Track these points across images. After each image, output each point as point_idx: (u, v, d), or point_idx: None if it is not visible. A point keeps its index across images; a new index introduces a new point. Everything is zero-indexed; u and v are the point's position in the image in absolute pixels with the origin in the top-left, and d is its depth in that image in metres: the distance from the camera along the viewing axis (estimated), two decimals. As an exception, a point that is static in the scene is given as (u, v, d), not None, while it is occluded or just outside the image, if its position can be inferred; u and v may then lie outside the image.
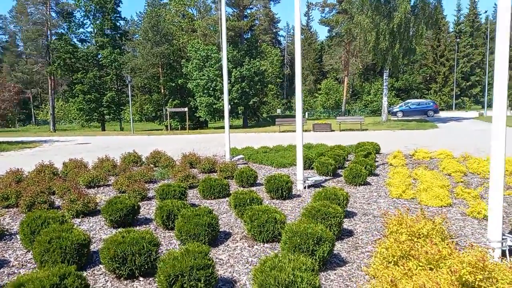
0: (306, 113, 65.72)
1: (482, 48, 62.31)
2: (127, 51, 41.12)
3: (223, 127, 38.89)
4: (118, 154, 11.82)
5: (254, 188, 7.50)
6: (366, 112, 57.55)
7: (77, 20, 40.67)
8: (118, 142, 21.26)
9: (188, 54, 34.69)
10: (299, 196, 6.83)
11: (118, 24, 40.96)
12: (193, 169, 9.74)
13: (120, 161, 10.86)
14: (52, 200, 6.42)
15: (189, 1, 40.46)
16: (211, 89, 32.27)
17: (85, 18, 39.99)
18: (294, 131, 26.29)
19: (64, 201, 5.98)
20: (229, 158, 10.96)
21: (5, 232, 5.11)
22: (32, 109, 59.93)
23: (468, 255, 3.01)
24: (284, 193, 6.50)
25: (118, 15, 40.73)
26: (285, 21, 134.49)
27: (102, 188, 7.99)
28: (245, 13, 36.70)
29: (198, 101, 33.39)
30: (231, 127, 37.98)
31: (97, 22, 38.99)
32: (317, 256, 3.66)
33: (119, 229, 5.19)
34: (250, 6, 38.20)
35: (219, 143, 18.42)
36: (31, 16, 42.26)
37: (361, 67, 58.72)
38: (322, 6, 47.41)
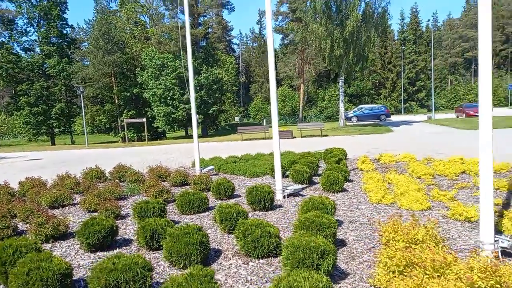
0: (264, 120, 66.35)
1: (425, 55, 66.55)
2: (76, 60, 39.15)
3: (182, 137, 38.43)
4: (78, 169, 11.11)
5: (233, 200, 7.32)
6: (321, 118, 59.15)
7: (19, 28, 38.13)
8: (73, 156, 20.07)
9: (142, 63, 33.66)
10: (280, 206, 6.73)
11: (65, 31, 38.89)
12: (164, 182, 9.34)
13: (82, 177, 10.17)
14: (15, 224, 5.81)
15: (141, 8, 39.40)
16: (168, 98, 31.49)
17: (29, 25, 37.59)
18: (257, 138, 26.39)
19: (31, 225, 5.44)
20: (199, 170, 10.66)
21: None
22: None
23: (479, 261, 3.06)
24: (267, 204, 6.37)
25: (64, 22, 38.68)
26: (238, 29, 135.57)
27: (67, 208, 7.41)
28: (199, 21, 36.39)
29: (155, 111, 32.44)
30: (189, 136, 37.31)
31: (42, 29, 36.75)
32: (322, 271, 3.56)
33: (98, 253, 4.82)
34: (204, 14, 37.95)
35: (182, 153, 17.99)
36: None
37: (314, 74, 60.34)
38: (275, 14, 48.25)
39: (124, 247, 5.01)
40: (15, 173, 13.73)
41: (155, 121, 33.60)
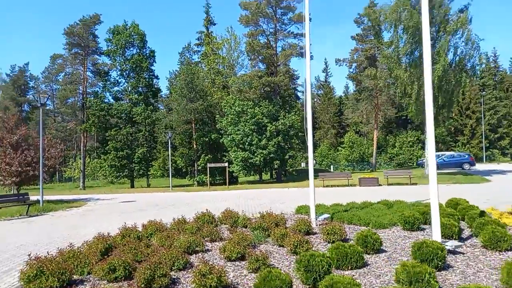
0: (332, 167, 64.81)
1: (506, 101, 62.10)
2: (159, 108, 41.86)
3: (256, 182, 38.22)
4: (176, 212, 11.06)
5: (382, 255, 6.53)
6: (392, 165, 56.48)
7: (112, 79, 42.05)
8: (163, 199, 20.51)
9: (223, 110, 34.96)
10: (449, 266, 5.80)
11: (151, 82, 42.13)
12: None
13: (192, 221, 10.00)
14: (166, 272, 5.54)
15: (221, 59, 41.69)
16: (246, 143, 31.95)
17: (120, 77, 41.33)
18: (339, 185, 25.03)
19: (194, 274, 5.09)
20: (314, 218, 10.02)
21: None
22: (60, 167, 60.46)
23: None
24: (439, 263, 5.51)
25: (151, 73, 42.03)
26: (303, 77, 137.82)
27: (200, 254, 7.09)
28: (277, 70, 37.43)
29: (232, 156, 32.97)
30: (262, 182, 36.77)
31: (132, 80, 40.16)
32: None
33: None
34: (278, 64, 39.04)
35: (272, 199, 17.41)
36: (68, 76, 44.13)
37: (382, 121, 58.62)
38: (350, 62, 48.44)
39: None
40: (119, 214, 14.09)
41: (231, 165, 34.06)
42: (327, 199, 14.78)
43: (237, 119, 32.81)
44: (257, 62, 34.24)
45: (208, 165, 27.57)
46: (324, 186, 24.87)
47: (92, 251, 6.84)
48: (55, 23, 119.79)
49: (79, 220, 12.86)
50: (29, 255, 6.08)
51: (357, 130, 71.04)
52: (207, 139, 36.39)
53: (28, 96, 71.60)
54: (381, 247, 6.89)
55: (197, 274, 5.00)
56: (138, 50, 41.46)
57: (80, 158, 46.09)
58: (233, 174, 35.82)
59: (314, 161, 69.04)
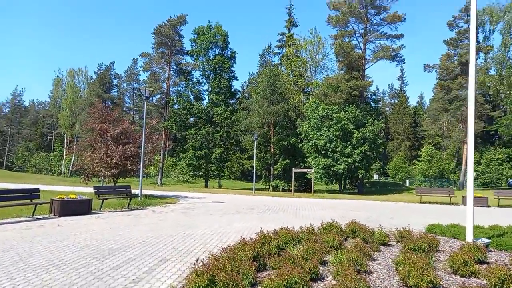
0: (407, 181, 60.59)
1: None
2: (241, 109, 41.82)
3: (332, 191, 36.19)
4: (277, 218, 9.89)
5: None
6: (476, 184, 51.17)
7: (194, 79, 42.93)
8: (253, 202, 19.65)
9: (304, 113, 33.75)
10: None
11: (231, 83, 42.34)
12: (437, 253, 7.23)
13: (320, 231, 8.82)
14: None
15: (303, 62, 40.58)
16: (329, 150, 30.34)
17: (202, 76, 42.01)
18: (438, 203, 22.35)
19: None
20: (472, 240, 8.32)
21: None
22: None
23: None
24: None
25: (232, 74, 42.23)
26: (375, 84, 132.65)
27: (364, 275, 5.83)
28: (361, 74, 35.41)
29: (313, 162, 31.53)
30: (342, 192, 34.30)
31: (213, 80, 40.58)
32: None
33: None
34: (366, 67, 36.90)
35: (377, 213, 15.61)
36: (154, 74, 45.82)
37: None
38: (440, 68, 44.65)
39: None
40: (221, 215, 13.36)
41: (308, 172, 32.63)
42: (432, 218, 12.84)
43: (320, 123, 31.34)
44: (345, 65, 32.49)
45: (294, 170, 26.39)
46: (421, 202, 22.47)
47: (244, 258, 5.92)
48: (138, 27, 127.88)
49: (185, 218, 12.30)
50: (197, 260, 5.29)
51: (435, 143, 65.92)
52: (286, 143, 35.35)
53: (111, 94, 76.39)
54: None
55: None
56: (220, 51, 41.90)
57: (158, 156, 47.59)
58: (311, 181, 34.37)
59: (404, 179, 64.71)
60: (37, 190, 11.71)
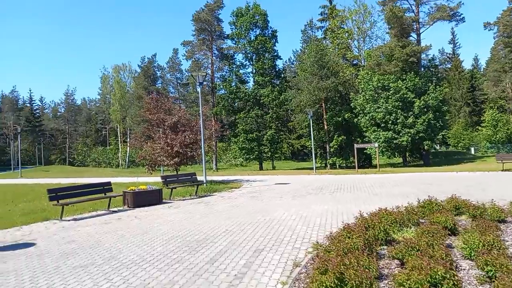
0: (472, 149, 56.75)
1: None
2: (286, 89, 40.74)
3: (394, 165, 34.07)
4: (353, 198, 8.96)
5: None
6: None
7: (237, 62, 42.31)
8: (318, 182, 18.83)
9: (356, 87, 32.01)
10: None
11: (275, 63, 41.25)
12: None
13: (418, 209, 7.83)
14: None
15: (349, 34, 38.41)
16: (389, 122, 28.56)
17: (245, 59, 41.28)
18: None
19: None
20: None
21: None
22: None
23: None
24: None
25: (275, 54, 41.08)
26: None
27: None
28: (417, 39, 32.80)
29: (372, 136, 29.91)
30: (405, 165, 31.78)
31: (258, 62, 39.70)
32: None
33: None
34: (419, 31, 34.13)
35: (465, 185, 13.96)
36: (198, 62, 45.94)
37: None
38: (503, 25, 40.36)
39: None
40: (292, 198, 12.70)
41: (367, 147, 31.11)
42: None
43: (376, 95, 29.52)
44: (397, 31, 30.12)
45: (355, 145, 25.00)
46: (503, 169, 20.38)
47: (356, 247, 5.16)
48: (176, 16, 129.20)
49: (256, 203, 11.77)
50: (317, 255, 4.60)
51: (498, 106, 60.88)
52: (340, 119, 33.88)
53: (156, 85, 78.01)
54: None
55: None
56: (260, 31, 40.84)
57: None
58: (371, 156, 32.82)
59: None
60: (109, 183, 11.70)
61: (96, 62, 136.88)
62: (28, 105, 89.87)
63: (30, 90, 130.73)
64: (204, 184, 16.12)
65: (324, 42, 40.75)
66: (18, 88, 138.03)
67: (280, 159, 57.55)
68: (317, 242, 5.89)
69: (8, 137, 68.61)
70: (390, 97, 28.47)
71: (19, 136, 37.50)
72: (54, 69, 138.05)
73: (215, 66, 45.26)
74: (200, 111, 17.17)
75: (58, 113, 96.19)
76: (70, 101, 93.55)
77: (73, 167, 51.40)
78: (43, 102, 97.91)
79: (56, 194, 9.96)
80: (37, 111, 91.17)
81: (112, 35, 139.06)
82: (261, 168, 40.25)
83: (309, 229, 7.57)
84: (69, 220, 9.64)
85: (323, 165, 36.44)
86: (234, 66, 41.79)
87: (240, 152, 39.25)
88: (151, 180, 20.65)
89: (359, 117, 31.33)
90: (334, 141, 34.36)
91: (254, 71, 40.48)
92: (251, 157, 39.84)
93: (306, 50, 38.48)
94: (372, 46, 35.46)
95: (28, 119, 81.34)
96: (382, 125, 29.07)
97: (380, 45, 32.83)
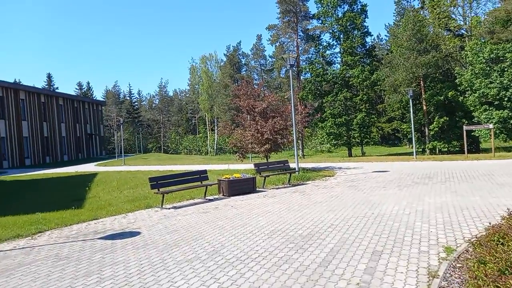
0: None
1: None
2: (378, 67, 37.91)
3: (506, 149, 29.58)
4: (472, 188, 7.27)
5: None
6: None
7: (324, 43, 40.48)
8: (420, 169, 16.97)
9: (466, 60, 28.19)
10: None
11: (365, 40, 38.52)
12: None
13: None
14: None
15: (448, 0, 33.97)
16: (505, 99, 24.69)
17: (333, 39, 39.28)
18: None
19: None
20: None
21: None
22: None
23: None
24: None
25: (365, 30, 38.33)
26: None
27: None
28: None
29: (482, 116, 26.25)
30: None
31: (346, 41, 37.46)
32: None
33: None
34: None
35: None
36: (283, 45, 45.25)
37: None
38: None
39: None
40: (399, 188, 11.39)
41: (476, 129, 27.42)
42: None
43: (488, 69, 25.66)
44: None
45: (465, 127, 21.84)
46: None
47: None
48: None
49: (357, 193, 10.73)
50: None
51: None
52: (442, 97, 30.31)
53: (242, 73, 79.24)
54: None
55: None
56: (349, 7, 38.34)
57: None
58: (480, 140, 28.93)
59: None
60: (205, 172, 11.70)
61: (186, 54, 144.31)
62: (128, 98, 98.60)
63: (129, 84, 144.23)
64: (297, 172, 15.44)
65: (421, 13, 36.73)
66: (120, 83, 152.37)
67: (369, 144, 54.42)
68: (449, 246, 4.82)
69: (112, 128, 76.95)
70: (506, 69, 24.43)
71: (121, 126, 40.87)
72: (148, 63, 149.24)
73: (300, 48, 43.97)
74: (291, 94, 16.41)
75: (153, 105, 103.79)
76: (163, 93, 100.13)
77: (168, 155, 54.94)
78: (140, 95, 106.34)
79: (157, 182, 10.17)
80: (136, 103, 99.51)
81: (198, 27, 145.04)
82: (350, 155, 38.30)
83: (432, 228, 6.47)
84: (169, 208, 9.76)
85: (420, 150, 33.26)
86: (321, 47, 40.00)
87: (328, 137, 37.73)
88: (242, 167, 20.68)
89: (465, 95, 27.64)
90: (434, 123, 30.92)
91: (342, 51, 38.28)
92: (340, 143, 38.07)
93: (401, 23, 34.98)
94: (481, 12, 30.91)
95: (128, 111, 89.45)
96: (496, 103, 25.17)
97: (494, 8, 28.28)
